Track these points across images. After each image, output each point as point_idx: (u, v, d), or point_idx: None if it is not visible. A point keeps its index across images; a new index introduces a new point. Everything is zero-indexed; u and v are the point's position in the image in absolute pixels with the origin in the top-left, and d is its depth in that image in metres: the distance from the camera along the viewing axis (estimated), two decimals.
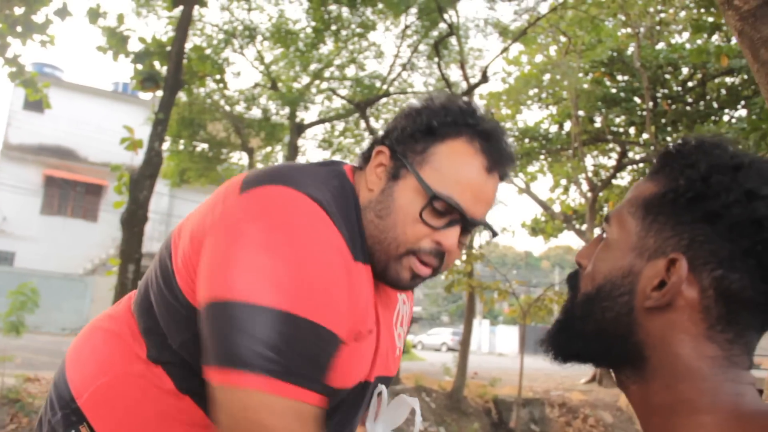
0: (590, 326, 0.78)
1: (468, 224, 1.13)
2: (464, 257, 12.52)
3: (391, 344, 1.24)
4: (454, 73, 15.91)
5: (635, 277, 0.75)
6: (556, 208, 21.14)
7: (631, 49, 17.29)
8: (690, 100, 17.88)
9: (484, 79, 13.67)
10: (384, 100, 14.67)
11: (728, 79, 16.69)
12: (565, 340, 0.82)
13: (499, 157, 1.13)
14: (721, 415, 0.68)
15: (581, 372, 20.07)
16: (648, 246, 0.75)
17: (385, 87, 14.59)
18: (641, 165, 19.62)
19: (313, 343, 0.94)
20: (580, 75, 17.84)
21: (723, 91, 16.71)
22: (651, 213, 0.77)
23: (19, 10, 8.66)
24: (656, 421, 0.73)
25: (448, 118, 1.13)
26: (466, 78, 14.38)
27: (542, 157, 20.44)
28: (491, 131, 1.14)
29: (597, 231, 20.35)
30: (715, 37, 16.28)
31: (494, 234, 1.22)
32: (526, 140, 19.94)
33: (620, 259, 0.77)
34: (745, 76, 15.42)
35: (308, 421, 0.92)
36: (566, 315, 0.83)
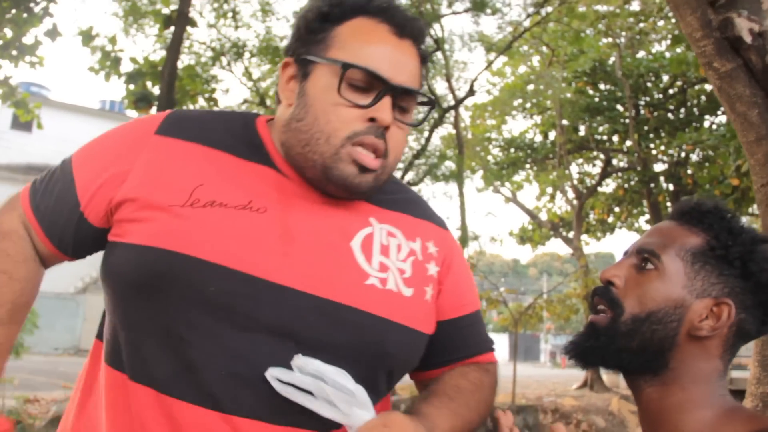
0: (635, 342, 0.97)
1: (397, 91, 1.04)
2: None
3: (334, 261, 1.05)
4: (440, 86, 16.13)
5: (685, 309, 0.98)
6: (543, 216, 21.39)
7: (612, 59, 17.61)
8: (671, 107, 18.22)
9: (471, 92, 13.89)
10: None
11: (707, 86, 17.04)
12: (601, 350, 0.99)
13: (404, 20, 1.08)
14: (717, 410, 0.95)
15: (573, 378, 20.26)
16: (696, 287, 0.98)
17: None
18: (625, 172, 19.94)
19: (59, 181, 1.11)
20: (564, 85, 18.13)
21: (703, 98, 17.06)
22: (699, 261, 1.00)
23: (8, 32, 8.74)
24: (667, 417, 0.97)
25: (339, 3, 1.08)
26: (452, 91, 14.60)
27: (528, 166, 20.68)
28: (387, 4, 1.09)
29: (584, 237, 20.62)
30: None
31: (432, 104, 1.14)
32: (512, 150, 20.19)
33: (671, 293, 0.98)
34: None
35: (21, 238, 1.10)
36: (608, 329, 0.99)
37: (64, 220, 1.08)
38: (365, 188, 1.06)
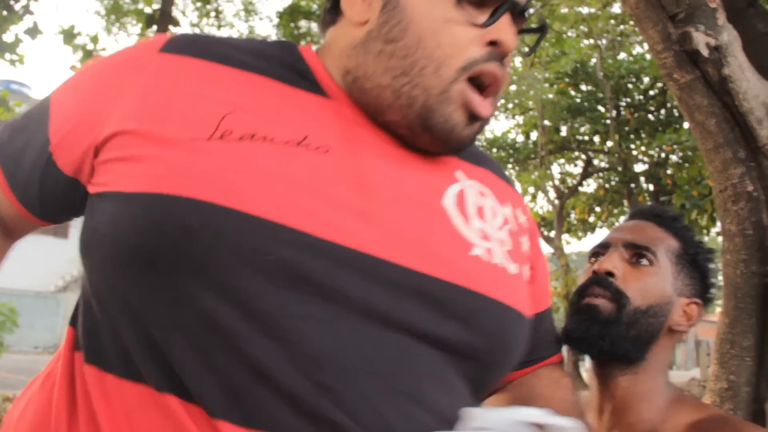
0: (633, 332, 1.03)
1: (516, 9, 0.80)
2: None
3: (428, 223, 0.76)
4: None
5: (671, 306, 1.08)
6: None
7: (593, 60, 17.78)
8: (652, 108, 18.42)
9: None
10: None
11: None
12: (608, 337, 1.04)
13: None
14: (669, 398, 1.05)
15: None
16: (677, 286, 1.09)
17: None
18: (606, 172, 20.13)
19: (34, 119, 0.82)
20: (546, 86, 18.29)
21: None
22: (680, 262, 1.11)
23: None
24: (634, 404, 1.06)
25: None
26: None
27: (510, 166, 20.81)
28: None
29: (565, 237, 20.79)
30: None
31: (543, 31, 0.88)
32: (495, 150, 20.32)
33: (665, 289, 1.07)
34: None
35: None
36: (614, 317, 1.04)
37: (29, 166, 0.79)
38: (468, 143, 0.82)
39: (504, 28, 0.76)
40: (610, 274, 1.06)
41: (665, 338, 1.07)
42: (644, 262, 1.07)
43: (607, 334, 1.02)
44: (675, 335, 1.08)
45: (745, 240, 1.84)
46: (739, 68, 1.61)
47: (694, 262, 1.10)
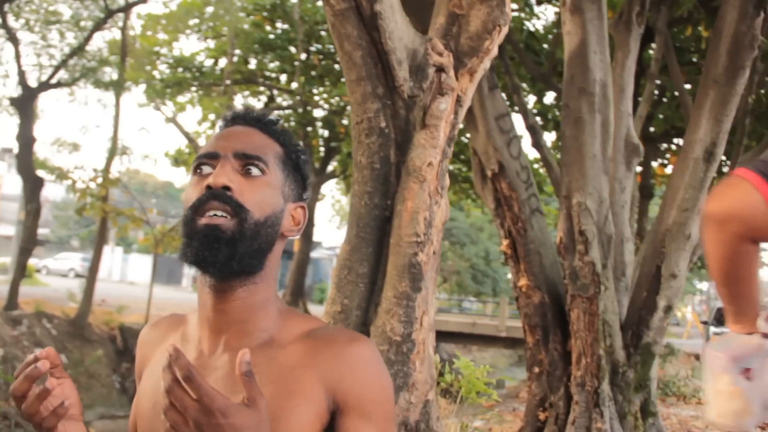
0: (255, 246, 1.05)
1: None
2: (100, 180, 12.07)
3: None
4: None
5: (283, 212, 1.11)
6: (202, 141, 21.25)
7: (293, 1, 17.98)
8: (338, 58, 19.28)
9: None
10: None
11: None
12: (231, 258, 1.03)
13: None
14: (280, 309, 1.11)
15: None
16: (286, 191, 1.12)
17: None
18: (287, 111, 20.68)
19: None
20: (242, 15, 18.06)
21: None
22: (286, 168, 1.13)
23: None
24: (249, 315, 1.08)
25: None
26: None
27: (193, 89, 20.28)
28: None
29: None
30: None
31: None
32: (180, 70, 19.58)
33: (277, 198, 1.10)
34: None
35: None
36: (238, 236, 1.03)
37: None
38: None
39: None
40: (227, 188, 1.04)
41: (278, 245, 1.11)
42: (256, 172, 1.08)
43: (236, 253, 1.02)
44: (284, 240, 1.14)
45: (372, 173, 2.02)
46: (391, 8, 1.77)
47: (297, 167, 1.16)
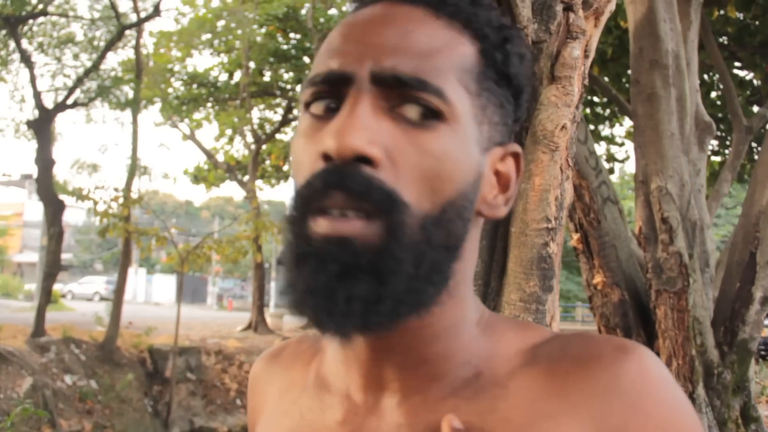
0: (425, 265, 0.54)
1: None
2: (121, 201, 11.82)
3: None
4: (124, 4, 14.75)
5: (478, 180, 0.59)
6: (220, 157, 21.06)
7: (305, 10, 17.75)
8: None
9: (156, 12, 12.89)
10: (41, 19, 13.01)
11: None
12: (374, 302, 0.52)
13: None
14: (483, 311, 0.66)
15: (238, 320, 20.44)
16: (485, 136, 0.60)
17: (42, 6, 12.94)
18: None
19: None
20: (255, 27, 17.85)
21: None
22: (485, 84, 0.59)
23: None
24: (437, 349, 0.60)
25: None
26: (136, 9, 13.41)
27: (210, 104, 20.13)
28: None
29: (259, 183, 20.77)
30: None
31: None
32: (195, 86, 19.45)
33: (469, 157, 0.57)
34: None
35: None
36: (386, 253, 0.52)
37: None
38: None
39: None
40: (364, 159, 0.52)
41: (473, 231, 0.60)
42: (420, 115, 0.55)
43: (386, 290, 0.51)
44: (480, 223, 0.62)
45: None
46: None
47: (504, 74, 0.60)
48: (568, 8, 1.53)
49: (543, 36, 1.49)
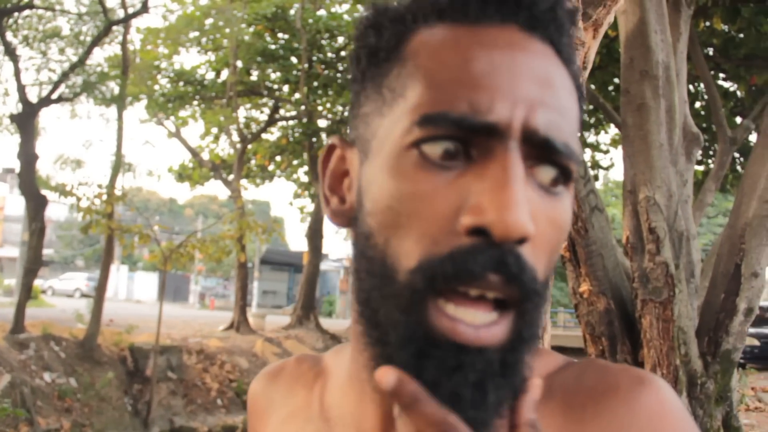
0: (536, 334, 0.53)
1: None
2: (105, 197, 11.72)
3: None
4: None
5: None
6: (205, 155, 20.97)
7: (294, 10, 17.72)
8: (342, 68, 19.02)
9: (144, 9, 12.81)
10: (27, 12, 12.89)
11: None
12: (501, 391, 0.50)
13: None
14: None
15: (220, 319, 20.34)
16: None
17: None
18: (291, 122, 20.41)
19: None
20: (243, 25, 17.79)
21: None
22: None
23: None
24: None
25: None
26: (124, 5, 13.32)
27: (196, 102, 20.03)
28: None
29: (243, 182, 20.68)
30: None
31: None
32: (181, 84, 19.35)
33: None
34: None
35: None
36: (515, 343, 0.49)
37: None
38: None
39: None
40: (522, 240, 0.47)
41: None
42: (556, 181, 0.50)
43: (513, 382, 0.49)
44: None
45: None
46: None
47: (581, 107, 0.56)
48: None
49: None
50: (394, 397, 0.44)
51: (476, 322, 0.46)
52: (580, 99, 0.55)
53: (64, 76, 12.68)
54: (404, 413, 0.44)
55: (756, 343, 15.18)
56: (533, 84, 0.49)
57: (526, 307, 0.48)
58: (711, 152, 11.14)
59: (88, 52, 12.75)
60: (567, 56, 0.54)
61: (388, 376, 0.44)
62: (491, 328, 0.47)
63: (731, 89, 10.64)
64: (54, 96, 12.69)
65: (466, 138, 0.48)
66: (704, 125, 10.16)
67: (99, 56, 23.46)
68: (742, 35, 8.82)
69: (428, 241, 0.47)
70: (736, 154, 9.62)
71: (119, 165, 13.17)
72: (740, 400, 8.46)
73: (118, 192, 12.74)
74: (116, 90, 13.81)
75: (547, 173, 0.49)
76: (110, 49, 17.32)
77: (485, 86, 0.47)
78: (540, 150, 0.48)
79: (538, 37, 0.51)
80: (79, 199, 11.33)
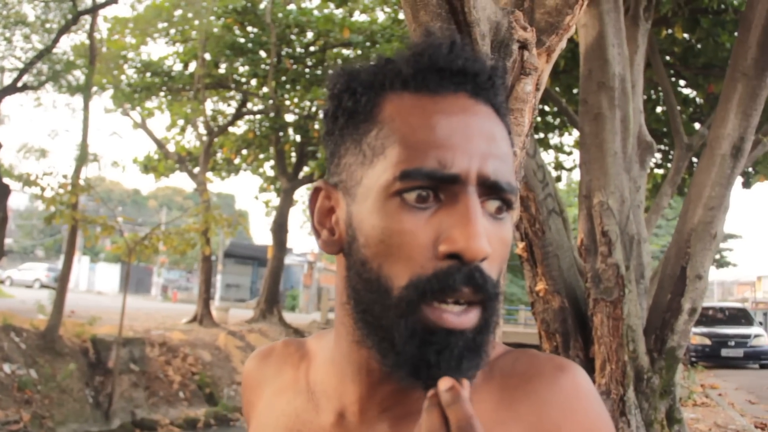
0: (495, 328, 0.70)
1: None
2: (69, 188, 11.64)
3: None
4: None
5: None
6: (171, 147, 20.84)
7: (264, 4, 17.70)
8: (310, 63, 19.05)
9: None
10: None
11: (345, 51, 18.18)
12: (477, 366, 0.67)
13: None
14: None
15: (183, 312, 20.26)
16: None
17: None
18: (258, 116, 20.38)
19: None
20: (212, 18, 17.72)
21: (339, 61, 18.13)
22: None
23: None
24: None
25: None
26: None
27: (163, 94, 19.88)
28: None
29: (209, 175, 20.58)
30: (340, 10, 17.58)
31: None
32: (148, 74, 19.18)
33: None
34: (359, 52, 16.97)
35: None
36: (486, 333, 0.67)
37: None
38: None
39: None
40: (483, 259, 0.64)
41: None
42: (501, 210, 0.68)
43: (481, 362, 0.66)
44: None
45: None
46: None
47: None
48: (523, 47, 1.68)
49: None
50: (446, 395, 0.59)
51: (456, 312, 0.64)
52: (512, 144, 0.73)
53: (30, 64, 12.54)
54: (448, 409, 0.59)
55: (707, 342, 15.68)
56: (482, 140, 0.66)
57: (489, 304, 0.65)
58: (670, 156, 11.46)
59: (55, 40, 12.62)
60: (502, 112, 0.71)
61: (446, 382, 0.59)
62: (468, 315, 0.64)
63: (691, 96, 10.95)
64: (19, 84, 12.55)
65: (435, 186, 0.64)
66: (665, 130, 10.46)
67: (65, 44, 23.17)
68: (700, 45, 9.12)
69: (415, 264, 0.64)
70: (694, 159, 9.93)
71: (84, 155, 13.06)
72: (689, 396, 8.80)
73: (82, 182, 12.66)
74: (82, 79, 13.68)
75: (494, 204, 0.67)
76: (77, 37, 17.21)
77: (448, 146, 0.64)
78: (489, 189, 0.66)
79: (481, 100, 0.68)
80: (43, 189, 11.24)
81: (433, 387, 0.62)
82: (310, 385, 0.80)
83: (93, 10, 13.08)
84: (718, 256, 32.61)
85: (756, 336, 15.90)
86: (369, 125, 0.69)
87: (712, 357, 15.52)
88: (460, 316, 0.64)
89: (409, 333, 0.63)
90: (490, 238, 0.65)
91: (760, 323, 20.87)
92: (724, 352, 15.58)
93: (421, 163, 0.64)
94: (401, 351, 0.64)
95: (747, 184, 11.03)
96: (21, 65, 12.89)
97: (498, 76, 0.71)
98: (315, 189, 0.75)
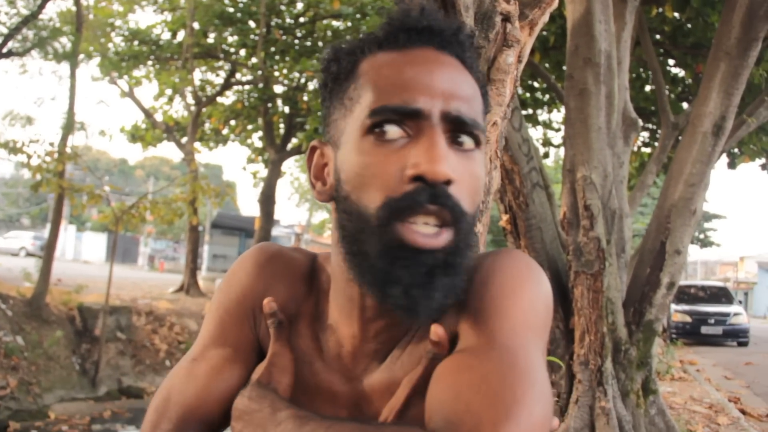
0: (468, 260, 0.75)
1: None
2: (56, 156, 11.58)
3: None
4: None
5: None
6: (159, 117, 20.70)
7: None
8: (300, 34, 18.89)
9: None
10: None
11: (335, 23, 18.05)
12: (452, 288, 0.73)
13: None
14: None
15: (169, 282, 20.28)
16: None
17: None
18: (247, 87, 20.25)
19: None
20: None
21: (329, 33, 18.03)
22: (484, 113, 0.83)
23: None
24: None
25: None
26: None
27: (150, 62, 19.68)
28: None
29: (197, 145, 20.49)
30: None
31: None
32: (136, 43, 18.98)
33: (484, 173, 0.80)
34: (349, 24, 16.86)
35: None
36: (457, 255, 0.73)
37: None
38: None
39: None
40: (449, 182, 0.71)
41: None
42: (470, 145, 0.75)
43: (456, 285, 0.73)
44: None
45: None
46: None
47: (486, 102, 0.83)
48: (506, 19, 1.73)
49: (482, 43, 1.68)
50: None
51: (428, 233, 0.71)
52: (483, 92, 0.82)
53: (15, 29, 12.39)
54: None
55: (688, 319, 15.90)
56: (445, 83, 0.74)
57: (459, 226, 0.73)
58: (658, 136, 11.51)
59: (41, 6, 12.46)
60: (470, 64, 0.80)
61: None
62: (438, 237, 0.71)
63: (679, 75, 10.98)
64: (4, 50, 12.41)
65: (401, 120, 0.72)
66: (653, 108, 10.50)
67: (51, 10, 22.84)
68: (690, 25, 9.14)
69: (387, 189, 0.71)
70: (680, 138, 9.96)
71: (71, 123, 12.98)
72: (667, 370, 8.97)
73: (69, 151, 12.58)
74: (69, 46, 13.54)
75: (468, 140, 0.75)
76: (63, 3, 16.98)
77: (412, 86, 0.73)
78: (455, 125, 0.74)
79: (447, 53, 0.77)
80: (29, 157, 11.17)
81: (421, 322, 0.73)
82: (322, 315, 0.87)
83: None
84: (702, 236, 32.88)
85: (735, 314, 16.15)
86: (349, 83, 0.78)
87: (692, 334, 15.78)
88: (430, 238, 0.71)
89: (382, 249, 0.71)
90: (457, 168, 0.73)
91: (740, 302, 21.17)
92: (704, 330, 15.83)
93: (388, 101, 0.73)
94: (374, 267, 0.71)
95: (732, 165, 11.13)
96: (5, 31, 12.73)
97: (463, 33, 0.80)
98: (311, 148, 0.84)
